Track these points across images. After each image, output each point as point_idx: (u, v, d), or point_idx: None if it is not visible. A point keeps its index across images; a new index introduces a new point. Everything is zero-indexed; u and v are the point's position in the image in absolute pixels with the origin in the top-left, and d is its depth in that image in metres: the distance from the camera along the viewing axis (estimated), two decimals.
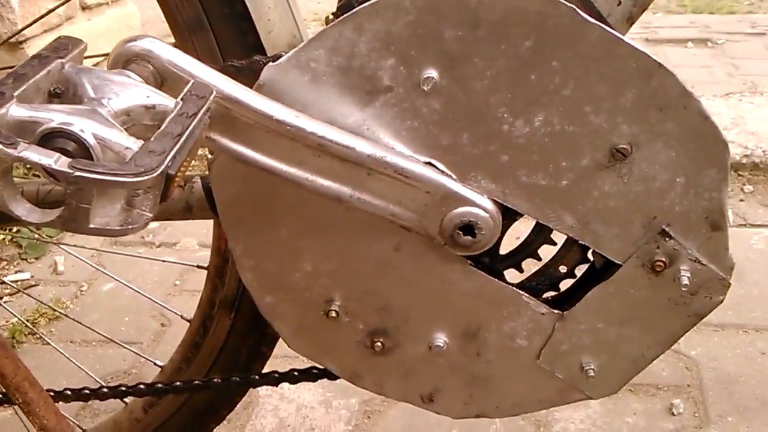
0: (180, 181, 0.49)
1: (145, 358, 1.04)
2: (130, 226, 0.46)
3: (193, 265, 0.95)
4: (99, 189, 0.44)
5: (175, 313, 1.00)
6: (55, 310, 1.59)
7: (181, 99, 0.53)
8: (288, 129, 0.59)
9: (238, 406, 1.24)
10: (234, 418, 1.30)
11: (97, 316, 1.63)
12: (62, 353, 1.17)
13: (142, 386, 0.85)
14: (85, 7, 2.65)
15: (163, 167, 0.45)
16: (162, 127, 0.49)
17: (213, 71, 0.59)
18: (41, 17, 1.00)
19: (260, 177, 0.64)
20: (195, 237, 1.88)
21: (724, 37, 3.41)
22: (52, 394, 0.87)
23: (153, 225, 1.94)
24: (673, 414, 1.28)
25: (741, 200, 1.90)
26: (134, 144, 0.47)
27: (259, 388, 1.35)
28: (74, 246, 1.36)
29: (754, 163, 1.97)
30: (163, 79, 0.59)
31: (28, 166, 0.45)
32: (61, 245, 1.33)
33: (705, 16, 3.84)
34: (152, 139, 0.47)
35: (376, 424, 1.29)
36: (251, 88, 0.61)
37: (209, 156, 0.66)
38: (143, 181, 0.44)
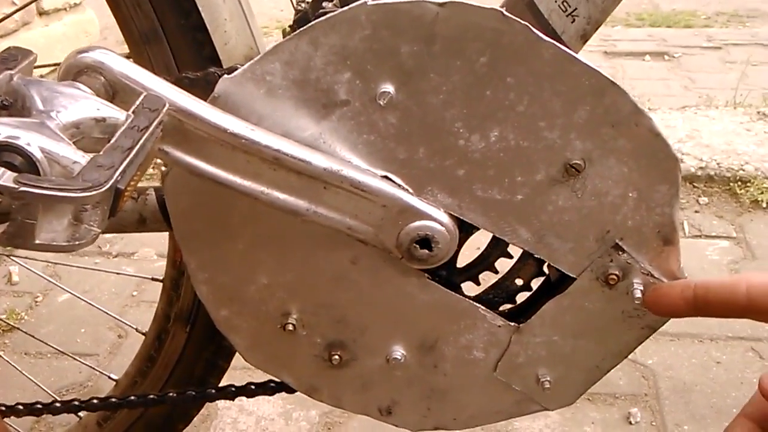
0: (131, 194, 0.49)
1: (99, 371, 1.02)
2: (77, 242, 0.45)
3: (148, 278, 0.93)
4: (45, 204, 0.43)
5: (130, 326, 0.98)
6: (7, 322, 1.55)
7: (133, 112, 0.52)
8: (243, 142, 0.59)
9: (196, 419, 1.22)
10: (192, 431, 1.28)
11: (52, 328, 1.60)
12: (14, 366, 1.14)
13: (95, 400, 0.83)
14: (42, 13, 2.61)
15: (111, 182, 0.44)
16: (112, 141, 0.48)
17: (166, 83, 0.58)
18: None
19: (215, 190, 0.63)
20: (153, 247, 1.85)
21: (681, 50, 3.48)
22: (3, 408, 0.85)
23: (110, 234, 1.91)
24: (630, 423, 1.29)
25: (696, 211, 1.94)
26: (82, 158, 0.47)
27: (217, 401, 1.34)
28: (26, 258, 1.33)
29: (708, 175, 2.01)
30: (115, 91, 0.58)
31: None
32: (13, 257, 1.30)
33: (662, 29, 3.92)
34: (101, 153, 0.47)
35: None
36: (206, 100, 0.61)
37: (164, 168, 0.65)
38: (91, 196, 0.43)
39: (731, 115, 2.34)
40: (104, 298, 1.67)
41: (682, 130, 2.19)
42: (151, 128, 0.51)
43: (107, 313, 1.12)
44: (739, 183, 1.98)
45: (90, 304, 1.14)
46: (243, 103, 0.62)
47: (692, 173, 2.00)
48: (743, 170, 2.00)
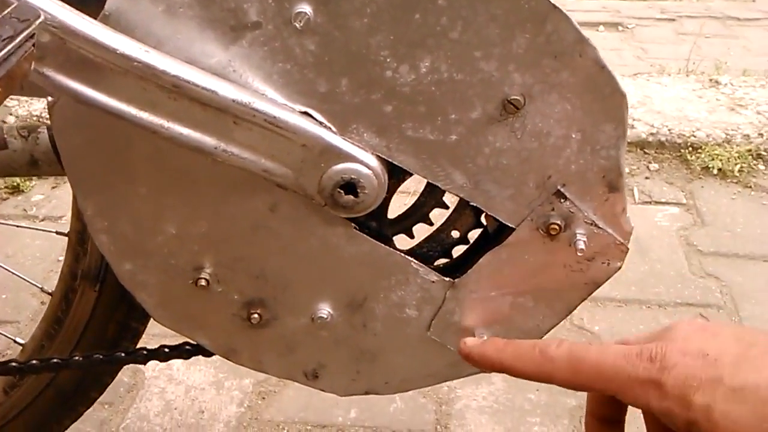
0: None
1: (6, 336, 0.93)
2: None
3: (51, 231, 0.85)
4: None
5: (36, 285, 0.90)
6: None
7: None
8: (136, 65, 0.51)
9: (121, 388, 1.15)
10: (117, 402, 1.21)
11: None
12: None
13: None
14: None
15: None
16: None
17: None
18: None
19: (110, 123, 0.55)
20: None
21: (635, 21, 3.47)
22: None
23: (38, 197, 1.81)
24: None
25: (646, 178, 1.91)
26: None
27: (145, 370, 1.26)
28: None
29: (659, 141, 1.98)
30: None
31: None
32: None
33: (617, 1, 3.89)
34: None
35: (271, 405, 1.22)
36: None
37: (49, 99, 0.57)
38: None
39: (683, 82, 2.31)
40: (28, 263, 1.57)
41: (633, 97, 2.15)
42: (17, 40, 0.44)
43: (22, 278, 1.03)
44: (690, 149, 1.96)
45: (5, 269, 1.05)
46: (139, 23, 0.54)
47: (643, 139, 1.98)
48: (694, 136, 1.97)
